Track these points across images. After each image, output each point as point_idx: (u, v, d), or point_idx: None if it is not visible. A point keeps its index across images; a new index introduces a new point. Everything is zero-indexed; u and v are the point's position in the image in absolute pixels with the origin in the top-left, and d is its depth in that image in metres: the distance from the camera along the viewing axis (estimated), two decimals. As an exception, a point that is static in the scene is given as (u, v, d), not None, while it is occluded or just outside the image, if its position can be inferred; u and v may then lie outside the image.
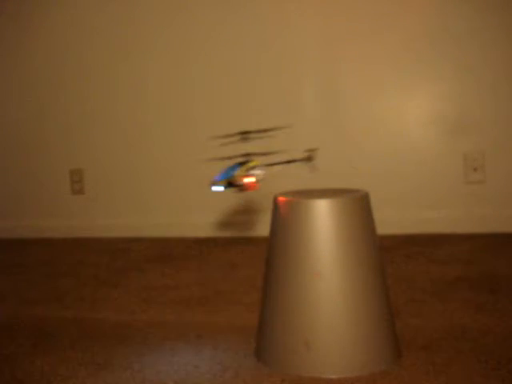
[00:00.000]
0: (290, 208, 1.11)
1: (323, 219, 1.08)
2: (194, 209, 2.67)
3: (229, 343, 1.27)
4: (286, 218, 1.11)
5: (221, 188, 1.10)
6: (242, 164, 1.14)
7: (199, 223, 2.65)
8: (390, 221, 2.40)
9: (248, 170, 1.13)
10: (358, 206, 1.11)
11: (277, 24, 2.53)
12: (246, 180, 1.12)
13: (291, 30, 2.51)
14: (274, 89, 2.54)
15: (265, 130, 1.15)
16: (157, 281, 1.87)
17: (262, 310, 1.18)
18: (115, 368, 1.17)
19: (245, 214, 2.60)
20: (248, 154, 1.17)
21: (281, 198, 1.14)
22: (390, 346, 1.11)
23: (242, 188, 1.12)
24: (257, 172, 1.13)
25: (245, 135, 1.17)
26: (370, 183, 2.42)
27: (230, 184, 1.11)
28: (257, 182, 1.12)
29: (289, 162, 1.15)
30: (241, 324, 1.40)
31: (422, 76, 2.41)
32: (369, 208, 1.15)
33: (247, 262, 2.06)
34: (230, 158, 1.17)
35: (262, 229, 2.54)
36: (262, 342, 1.16)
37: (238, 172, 1.11)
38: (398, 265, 1.89)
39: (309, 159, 1.20)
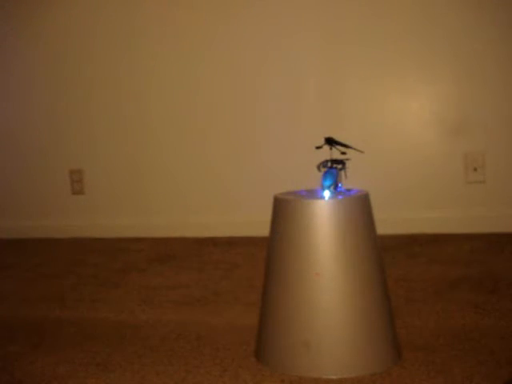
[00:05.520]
0: (289, 208, 1.11)
1: (323, 219, 1.08)
2: (193, 209, 2.67)
3: (229, 343, 1.27)
4: (286, 218, 1.11)
5: (329, 193, 1.17)
6: (333, 168, 1.21)
7: (199, 223, 2.65)
8: (391, 221, 2.40)
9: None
10: (358, 206, 1.11)
11: (279, 27, 2.53)
12: (340, 184, 1.21)
13: (293, 33, 2.51)
14: (275, 90, 2.54)
15: (347, 146, 1.24)
16: (157, 281, 1.86)
17: (262, 310, 1.18)
18: (115, 368, 1.17)
19: (245, 213, 2.60)
20: (334, 160, 1.25)
21: (281, 198, 1.14)
22: (390, 347, 1.11)
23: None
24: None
25: (331, 142, 1.27)
26: (370, 183, 2.41)
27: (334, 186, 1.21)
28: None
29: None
30: (241, 324, 1.40)
31: (422, 77, 2.41)
32: (369, 208, 1.15)
33: (247, 262, 2.06)
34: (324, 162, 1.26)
35: (262, 229, 2.53)
36: (261, 343, 1.16)
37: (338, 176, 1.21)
38: (398, 265, 1.89)
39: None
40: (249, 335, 1.30)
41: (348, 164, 1.22)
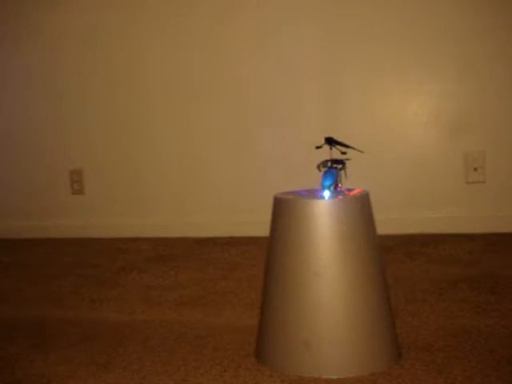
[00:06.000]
0: (289, 208, 1.11)
1: (323, 219, 1.08)
2: (193, 209, 2.67)
3: (229, 343, 1.27)
4: (286, 218, 1.11)
5: (329, 193, 1.16)
6: (333, 168, 1.20)
7: (199, 223, 2.65)
8: (391, 221, 2.40)
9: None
10: (358, 206, 1.11)
11: (278, 25, 2.53)
12: (340, 184, 1.20)
13: (294, 31, 2.51)
14: (275, 90, 2.54)
15: (348, 146, 1.24)
16: (157, 281, 1.87)
17: (262, 310, 1.18)
18: (115, 368, 1.17)
19: (245, 213, 2.60)
20: (334, 160, 1.24)
21: (281, 198, 1.14)
22: (390, 346, 1.11)
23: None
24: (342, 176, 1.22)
25: (331, 142, 1.25)
26: (371, 183, 2.41)
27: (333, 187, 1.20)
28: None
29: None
30: (241, 324, 1.40)
31: (422, 76, 2.40)
32: (369, 208, 1.15)
33: (247, 262, 2.06)
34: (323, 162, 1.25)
35: (262, 229, 2.53)
36: (261, 342, 1.16)
37: (338, 177, 1.20)
38: (398, 265, 1.89)
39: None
40: (249, 335, 1.30)
41: (348, 164, 1.22)
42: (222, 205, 2.64)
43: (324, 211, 1.08)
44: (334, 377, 1.06)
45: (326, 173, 1.18)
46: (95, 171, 2.79)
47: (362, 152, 1.31)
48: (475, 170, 2.37)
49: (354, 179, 2.44)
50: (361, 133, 2.45)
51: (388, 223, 2.39)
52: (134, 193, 2.75)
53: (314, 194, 1.17)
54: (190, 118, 2.65)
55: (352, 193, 1.15)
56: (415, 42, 2.39)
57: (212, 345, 1.26)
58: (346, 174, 1.23)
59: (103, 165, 2.78)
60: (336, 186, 1.18)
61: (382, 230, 2.57)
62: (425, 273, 1.78)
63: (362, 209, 1.12)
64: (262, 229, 2.53)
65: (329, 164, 1.19)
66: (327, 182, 1.16)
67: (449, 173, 2.40)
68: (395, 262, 1.93)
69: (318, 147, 1.22)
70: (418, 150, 2.42)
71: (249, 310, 1.50)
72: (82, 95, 2.78)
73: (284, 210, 1.12)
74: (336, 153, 1.23)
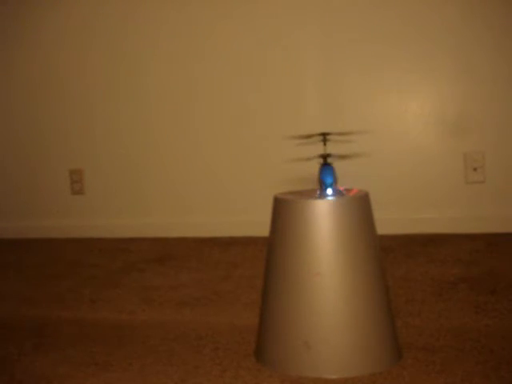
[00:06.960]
0: (289, 208, 1.11)
1: (323, 219, 1.08)
2: (194, 209, 2.67)
3: (229, 343, 1.27)
4: (286, 218, 1.11)
5: (332, 191, 1.15)
6: (329, 164, 1.18)
7: (199, 223, 2.65)
8: (391, 221, 2.40)
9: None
10: (358, 206, 1.11)
11: (278, 23, 2.53)
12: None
13: (294, 31, 2.51)
14: (275, 90, 2.54)
15: (343, 133, 1.19)
16: (157, 281, 1.87)
17: (262, 310, 1.18)
18: (115, 368, 1.17)
19: (245, 214, 2.60)
20: (328, 155, 1.21)
21: (281, 198, 1.14)
22: (390, 346, 1.11)
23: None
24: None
25: (325, 136, 1.22)
26: (371, 183, 2.42)
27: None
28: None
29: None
30: (241, 324, 1.40)
31: (422, 77, 2.41)
32: (369, 208, 1.15)
33: (247, 262, 2.06)
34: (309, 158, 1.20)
35: (262, 229, 2.54)
36: (261, 342, 1.16)
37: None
38: (398, 265, 1.89)
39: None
40: (249, 335, 1.30)
41: (348, 163, 1.22)
42: (222, 205, 2.64)
43: (324, 211, 1.08)
44: (334, 377, 1.06)
45: (324, 170, 1.16)
46: (95, 171, 2.79)
47: (359, 133, 1.29)
48: (475, 170, 2.37)
49: (354, 179, 2.45)
50: (361, 134, 2.45)
51: (388, 223, 2.39)
52: (134, 193, 2.75)
53: (314, 194, 1.17)
54: (191, 119, 2.66)
55: (352, 193, 1.15)
56: (415, 43, 2.40)
57: (212, 345, 1.26)
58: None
59: (103, 165, 2.78)
60: (336, 183, 1.17)
61: (382, 230, 2.57)
62: (425, 273, 1.78)
63: (361, 209, 1.12)
64: (262, 229, 2.55)
65: (323, 160, 1.17)
66: (329, 180, 1.14)
67: (448, 173, 2.40)
68: (395, 262, 1.94)
69: (308, 136, 1.21)
70: (418, 150, 2.42)
71: (249, 310, 1.51)
72: (82, 95, 2.78)
73: (284, 210, 1.12)
74: (331, 149, 1.23)
